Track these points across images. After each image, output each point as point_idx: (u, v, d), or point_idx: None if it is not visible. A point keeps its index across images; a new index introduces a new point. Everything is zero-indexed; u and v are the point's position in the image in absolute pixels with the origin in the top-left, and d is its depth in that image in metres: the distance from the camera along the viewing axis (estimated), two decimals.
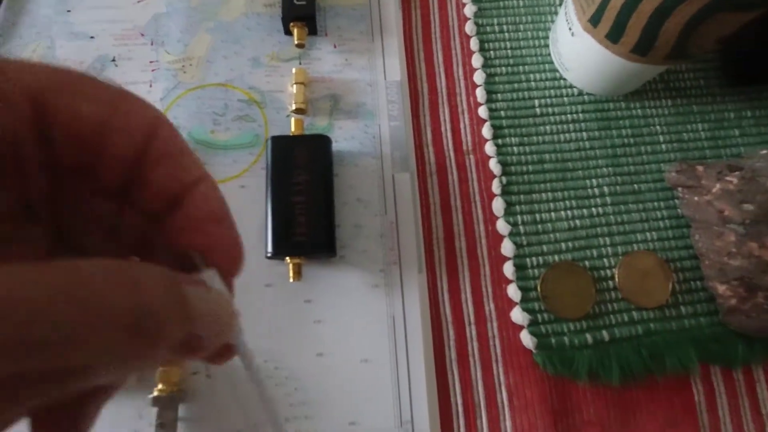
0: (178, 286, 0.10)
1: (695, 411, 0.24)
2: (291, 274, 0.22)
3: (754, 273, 0.22)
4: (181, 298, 0.10)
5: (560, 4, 0.29)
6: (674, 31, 0.20)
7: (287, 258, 0.22)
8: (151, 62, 0.26)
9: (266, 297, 0.23)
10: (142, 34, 0.27)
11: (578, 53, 0.25)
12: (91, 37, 0.26)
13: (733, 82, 0.28)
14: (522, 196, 0.26)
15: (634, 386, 0.24)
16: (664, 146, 0.27)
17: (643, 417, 0.23)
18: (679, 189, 0.25)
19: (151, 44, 0.26)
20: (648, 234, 0.25)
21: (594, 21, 0.22)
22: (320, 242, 0.22)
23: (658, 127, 0.27)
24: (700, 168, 0.24)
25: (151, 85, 0.26)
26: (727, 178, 0.23)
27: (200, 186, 0.12)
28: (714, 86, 0.28)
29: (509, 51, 0.28)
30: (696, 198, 0.24)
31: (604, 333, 0.24)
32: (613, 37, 0.22)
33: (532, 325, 0.24)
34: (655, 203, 0.26)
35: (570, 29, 0.25)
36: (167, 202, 0.11)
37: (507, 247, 0.25)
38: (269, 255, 0.22)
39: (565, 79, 0.28)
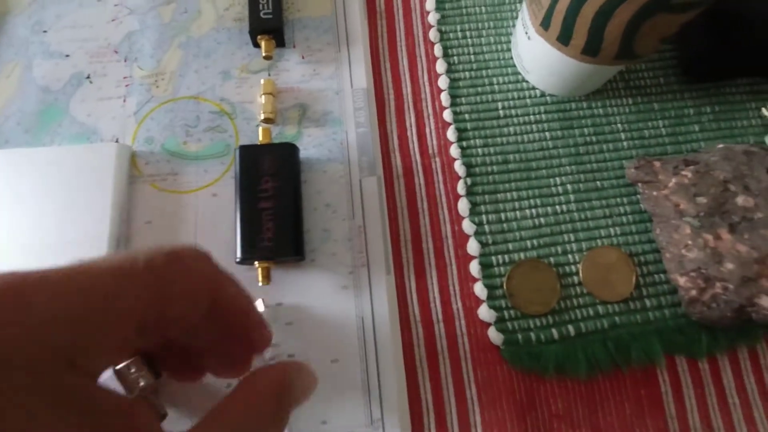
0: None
1: (662, 401, 0.24)
2: (260, 278, 0.23)
3: (710, 264, 0.22)
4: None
5: (520, 10, 0.30)
6: (617, 32, 0.20)
7: (256, 263, 0.23)
8: (124, 78, 0.27)
9: None
10: (116, 51, 0.28)
11: (535, 56, 0.26)
12: (67, 56, 0.27)
13: (691, 80, 0.28)
14: (487, 196, 0.26)
15: (601, 379, 0.24)
16: (625, 143, 0.28)
17: (611, 409, 0.24)
18: (639, 184, 0.26)
19: (125, 61, 0.27)
20: (611, 229, 0.26)
21: (545, 25, 0.23)
22: (287, 246, 0.23)
23: (619, 125, 0.28)
24: (657, 163, 0.25)
25: (124, 100, 0.27)
26: (683, 173, 0.24)
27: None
28: (673, 84, 0.29)
29: (472, 56, 0.29)
30: (654, 193, 0.25)
31: (570, 328, 0.24)
32: (563, 39, 0.23)
33: (499, 321, 0.24)
34: (618, 199, 0.27)
35: (526, 33, 0.25)
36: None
37: (473, 247, 0.25)
38: (238, 260, 0.23)
39: (527, 82, 0.28)
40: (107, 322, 0.12)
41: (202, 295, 0.15)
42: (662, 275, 0.25)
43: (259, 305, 0.20)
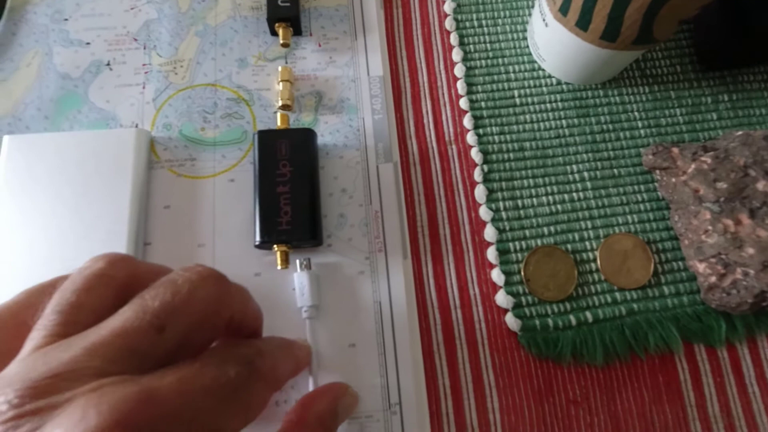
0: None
1: (681, 389, 0.24)
2: (279, 261, 0.23)
3: (730, 249, 0.22)
4: None
5: None
6: (637, 15, 0.20)
7: (275, 246, 0.23)
8: (143, 65, 0.27)
9: (255, 286, 0.24)
10: (135, 39, 0.28)
11: (553, 43, 0.26)
12: (87, 44, 0.27)
13: (707, 68, 0.28)
14: (503, 183, 0.26)
15: (618, 366, 0.24)
16: (642, 131, 0.27)
17: (629, 396, 0.24)
18: (657, 171, 0.26)
19: (144, 48, 0.28)
20: (628, 217, 0.26)
21: (563, 10, 0.23)
22: (305, 230, 0.23)
23: (636, 113, 0.28)
24: (675, 150, 0.25)
25: (143, 87, 0.27)
26: (702, 159, 0.24)
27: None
28: (689, 72, 0.29)
29: (488, 44, 0.29)
30: (673, 179, 0.25)
31: (587, 314, 0.24)
32: (582, 24, 0.23)
33: (517, 308, 0.24)
34: (635, 186, 0.27)
35: (544, 20, 0.25)
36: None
37: (490, 233, 0.25)
38: (257, 243, 0.23)
39: (543, 70, 0.28)
40: None
41: (270, 393, 0.17)
42: (680, 262, 0.25)
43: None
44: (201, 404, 0.13)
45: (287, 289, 0.24)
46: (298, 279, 0.23)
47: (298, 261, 0.24)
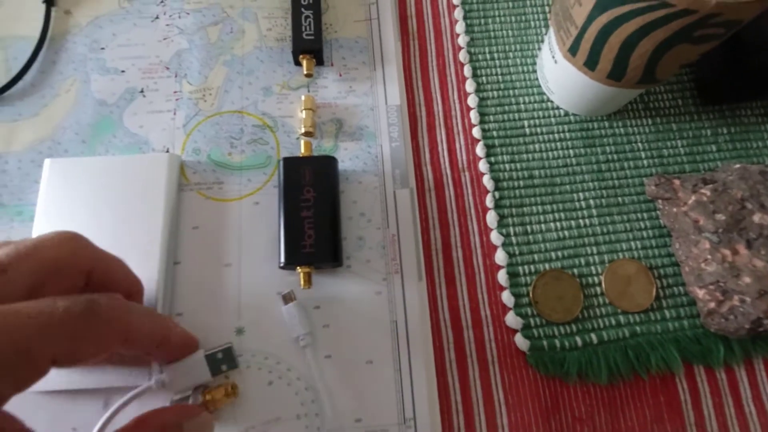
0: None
1: (681, 408, 0.25)
2: (302, 282, 0.25)
3: (728, 278, 0.24)
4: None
5: (545, 34, 0.31)
6: (641, 60, 0.22)
7: (298, 267, 0.25)
8: (174, 92, 0.29)
9: (278, 304, 0.25)
10: (167, 68, 0.29)
11: (561, 79, 0.27)
12: (122, 71, 0.29)
13: (708, 102, 0.30)
14: (513, 210, 0.28)
15: (622, 385, 0.25)
16: (645, 162, 0.29)
17: (631, 414, 0.25)
18: (659, 201, 0.27)
19: (175, 76, 0.29)
20: (632, 243, 0.27)
21: (572, 51, 0.25)
22: (327, 253, 0.25)
23: (639, 144, 0.29)
24: (676, 181, 0.26)
25: (174, 113, 0.29)
26: (702, 191, 0.25)
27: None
28: (690, 105, 0.30)
29: (500, 77, 0.30)
30: (674, 209, 0.26)
31: (593, 336, 0.26)
32: (590, 65, 0.24)
33: (525, 328, 0.26)
34: (638, 214, 0.28)
35: (553, 57, 0.27)
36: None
37: (500, 257, 0.27)
38: (282, 265, 0.25)
39: (551, 102, 0.30)
40: (23, 360, 0.14)
41: (112, 339, 0.17)
42: (681, 287, 0.27)
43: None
44: (14, 328, 0.14)
45: (309, 307, 0.25)
46: (287, 312, 0.25)
47: (281, 295, 0.25)
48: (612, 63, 0.23)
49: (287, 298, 0.25)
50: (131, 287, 0.21)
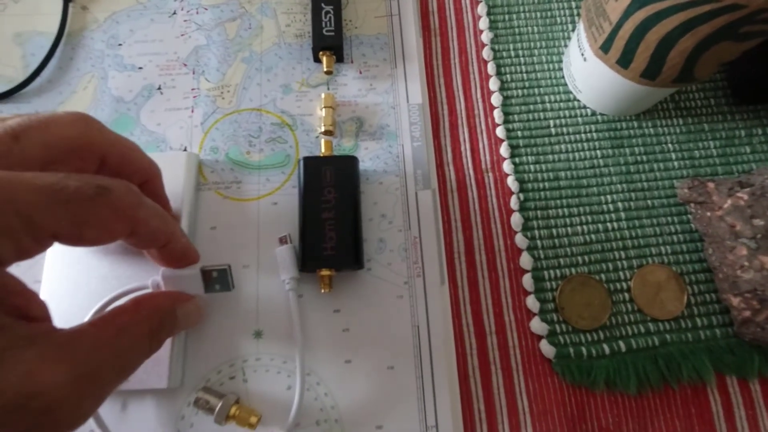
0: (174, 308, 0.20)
1: (713, 421, 0.24)
2: (322, 285, 0.24)
3: (766, 286, 0.23)
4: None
5: (572, 30, 0.30)
6: (680, 58, 0.21)
7: (318, 270, 0.24)
8: (192, 90, 0.29)
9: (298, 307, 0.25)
10: (185, 65, 0.29)
11: (590, 77, 0.26)
12: (140, 68, 0.29)
13: (742, 101, 0.29)
14: (539, 212, 0.27)
15: (651, 395, 0.25)
16: (676, 163, 0.28)
17: (661, 426, 0.24)
18: (691, 204, 0.26)
19: (192, 73, 0.29)
20: (662, 248, 0.26)
21: (605, 48, 0.24)
22: (348, 256, 0.24)
23: (669, 145, 0.28)
24: (711, 184, 0.25)
25: (192, 111, 0.28)
26: (738, 195, 0.24)
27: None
28: (723, 105, 0.29)
29: (524, 74, 0.30)
30: (708, 213, 0.25)
31: (621, 343, 0.25)
32: (623, 63, 0.23)
33: (551, 335, 0.25)
34: (668, 218, 0.27)
35: (582, 55, 0.26)
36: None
37: (525, 261, 0.26)
38: (302, 268, 0.24)
39: (578, 101, 0.29)
40: (25, 227, 0.14)
41: (118, 228, 0.17)
42: (713, 294, 0.26)
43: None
44: (21, 195, 0.14)
45: (329, 311, 0.25)
46: (280, 254, 0.25)
47: (279, 237, 0.25)
48: (647, 61, 0.22)
49: (283, 241, 0.25)
50: (148, 172, 0.21)
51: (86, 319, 0.20)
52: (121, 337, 0.17)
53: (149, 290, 0.22)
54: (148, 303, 0.19)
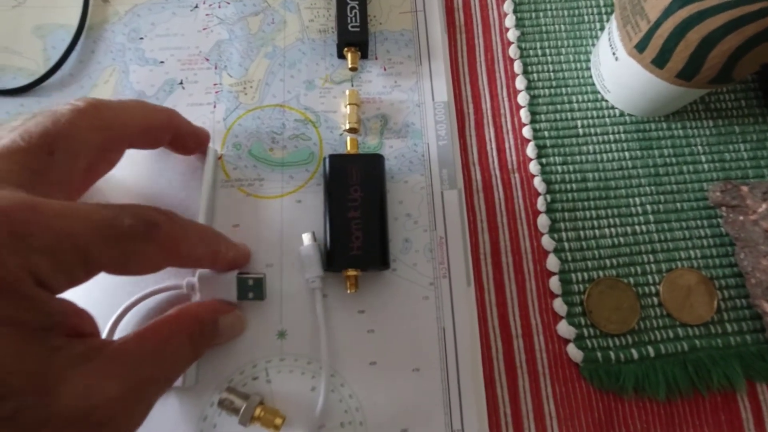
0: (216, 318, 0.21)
1: (743, 428, 0.24)
2: (348, 285, 0.24)
3: None
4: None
5: (600, 29, 0.30)
6: (720, 58, 0.21)
7: (344, 271, 0.24)
8: (214, 85, 0.28)
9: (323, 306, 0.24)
10: (207, 59, 0.29)
11: (621, 76, 0.26)
12: (161, 62, 0.28)
13: None
14: (566, 214, 0.26)
15: (680, 402, 0.24)
16: (706, 166, 0.27)
17: None
18: (723, 208, 0.26)
19: (215, 68, 0.28)
20: (691, 252, 0.26)
21: (640, 47, 0.23)
22: (375, 256, 0.24)
23: (699, 147, 0.28)
24: (744, 188, 0.25)
25: (214, 106, 0.28)
26: None
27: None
28: (754, 107, 0.28)
29: (551, 74, 0.29)
30: (741, 217, 0.25)
31: (650, 348, 0.24)
32: (659, 63, 0.23)
33: (579, 339, 0.25)
34: (698, 222, 0.27)
35: (614, 54, 0.26)
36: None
37: (552, 263, 0.26)
38: (328, 268, 0.24)
39: (606, 101, 0.28)
40: (80, 261, 0.15)
41: (163, 261, 0.18)
42: (744, 300, 0.25)
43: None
44: (79, 230, 0.15)
45: (353, 312, 0.24)
46: (305, 251, 0.24)
47: (303, 235, 0.25)
48: (686, 61, 0.22)
49: (309, 238, 0.25)
50: (200, 139, 0.24)
51: (119, 312, 0.22)
52: (165, 348, 0.18)
53: (182, 290, 0.22)
54: (189, 314, 0.20)
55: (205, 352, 0.20)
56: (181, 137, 0.23)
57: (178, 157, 0.26)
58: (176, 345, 0.18)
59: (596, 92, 0.29)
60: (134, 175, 0.25)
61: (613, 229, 0.26)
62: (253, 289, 0.23)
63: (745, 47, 0.20)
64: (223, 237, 0.22)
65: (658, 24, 0.21)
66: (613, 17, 0.26)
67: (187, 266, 0.20)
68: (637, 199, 0.27)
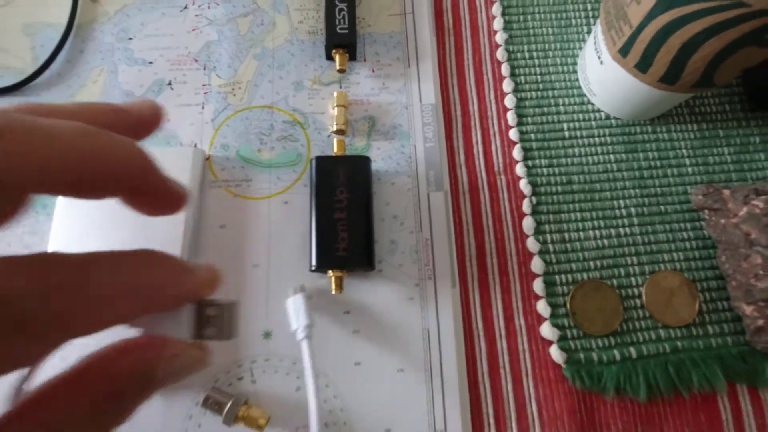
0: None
1: (722, 429, 0.24)
2: (333, 286, 0.24)
3: None
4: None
5: (587, 33, 0.30)
6: (701, 63, 0.21)
7: (329, 271, 0.24)
8: (203, 85, 0.28)
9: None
10: (196, 60, 0.29)
11: (606, 80, 0.26)
12: (150, 63, 0.28)
13: (757, 108, 0.28)
14: (551, 216, 0.27)
15: (661, 403, 0.24)
16: (690, 169, 0.28)
17: None
18: (705, 211, 0.26)
19: (204, 69, 0.28)
20: (674, 254, 0.26)
21: (623, 52, 0.24)
22: (360, 257, 0.24)
23: (684, 151, 0.28)
24: (726, 191, 0.25)
25: (203, 107, 0.28)
26: (754, 202, 0.24)
27: None
28: (738, 111, 0.29)
29: (538, 77, 0.29)
30: (722, 220, 0.25)
31: (632, 350, 0.25)
32: (642, 67, 0.23)
33: (562, 340, 0.25)
34: (681, 224, 0.27)
35: (599, 58, 0.26)
36: None
37: (537, 265, 0.26)
38: (313, 268, 0.24)
39: (592, 104, 0.29)
40: None
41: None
42: (725, 302, 0.26)
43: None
44: None
45: (339, 313, 0.25)
46: (293, 303, 0.23)
47: (292, 288, 0.24)
48: (667, 66, 0.22)
49: (296, 290, 0.24)
50: (173, 203, 0.16)
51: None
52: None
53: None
54: (104, 369, 0.12)
55: (130, 415, 0.13)
56: (146, 194, 0.15)
57: (162, 156, 0.26)
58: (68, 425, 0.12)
59: (582, 95, 0.29)
60: None
61: (597, 232, 0.27)
62: (215, 324, 0.15)
63: (725, 52, 0.20)
64: (170, 264, 0.14)
65: (640, 29, 0.22)
66: (598, 22, 0.26)
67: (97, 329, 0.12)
68: (621, 202, 0.27)
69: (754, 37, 0.19)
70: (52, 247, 0.24)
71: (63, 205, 0.24)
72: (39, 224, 0.25)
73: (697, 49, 0.20)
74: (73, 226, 0.24)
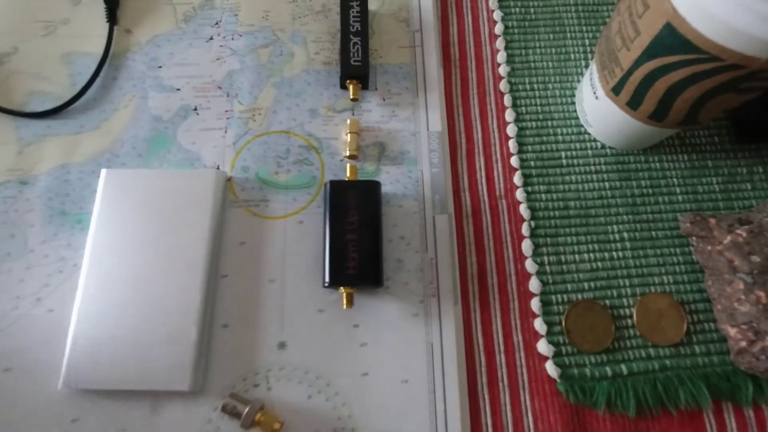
0: None
1: None
2: (344, 302, 0.26)
3: (761, 319, 0.24)
4: None
5: (585, 67, 0.32)
6: (685, 104, 0.23)
7: (341, 288, 0.26)
8: (226, 111, 0.30)
9: (319, 321, 0.26)
10: (219, 87, 0.31)
11: (601, 114, 0.28)
12: (177, 89, 0.31)
13: (744, 140, 0.30)
14: (548, 239, 0.29)
15: (650, 417, 0.26)
16: (680, 197, 0.30)
17: None
18: (693, 238, 0.28)
19: (227, 96, 0.31)
20: (664, 277, 0.28)
21: (616, 91, 0.26)
22: (369, 275, 0.26)
23: (674, 180, 0.30)
24: (712, 220, 0.27)
25: (225, 131, 0.30)
26: (737, 231, 0.26)
27: None
28: (726, 143, 0.31)
29: (539, 107, 0.31)
30: (708, 247, 0.27)
31: (623, 367, 0.26)
32: (633, 105, 0.25)
33: (557, 356, 0.26)
34: (671, 249, 0.29)
35: (594, 93, 0.28)
36: None
37: (534, 285, 0.28)
38: (326, 285, 0.26)
39: (589, 134, 0.31)
40: None
41: None
42: (712, 324, 0.27)
43: None
44: None
45: (348, 327, 0.26)
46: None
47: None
48: (655, 105, 0.24)
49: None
50: None
51: None
52: None
53: None
54: None
55: None
56: None
57: (187, 177, 0.28)
58: None
59: (580, 126, 0.31)
60: (143, 193, 0.27)
61: (591, 254, 0.28)
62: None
63: (705, 97, 0.22)
64: None
65: (630, 72, 0.24)
66: (593, 60, 0.28)
67: None
68: (615, 227, 0.29)
69: (731, 86, 0.20)
70: (87, 261, 0.26)
71: (98, 221, 0.27)
72: (75, 238, 0.27)
73: (680, 94, 0.22)
74: (106, 241, 0.26)
